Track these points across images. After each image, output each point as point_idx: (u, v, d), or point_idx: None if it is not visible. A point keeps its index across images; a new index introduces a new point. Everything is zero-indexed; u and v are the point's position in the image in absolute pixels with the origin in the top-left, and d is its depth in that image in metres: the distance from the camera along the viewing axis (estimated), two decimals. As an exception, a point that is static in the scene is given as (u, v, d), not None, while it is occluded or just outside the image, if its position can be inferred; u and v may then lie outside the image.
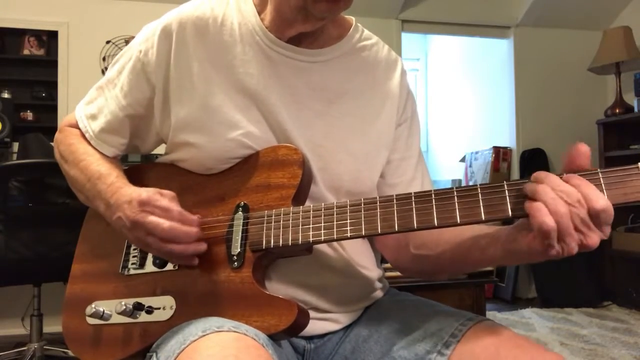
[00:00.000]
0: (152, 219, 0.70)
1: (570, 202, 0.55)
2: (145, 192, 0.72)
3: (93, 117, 0.87)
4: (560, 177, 0.58)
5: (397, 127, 0.88)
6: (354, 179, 0.81)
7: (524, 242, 0.60)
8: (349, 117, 0.83)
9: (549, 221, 0.55)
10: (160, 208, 0.71)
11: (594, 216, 0.55)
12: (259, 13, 0.82)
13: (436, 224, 0.62)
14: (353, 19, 0.89)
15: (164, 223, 0.70)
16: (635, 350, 2.45)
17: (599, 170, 0.58)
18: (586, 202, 0.55)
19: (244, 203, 0.76)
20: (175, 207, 0.72)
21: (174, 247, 0.71)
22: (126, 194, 0.74)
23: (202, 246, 0.73)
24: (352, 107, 0.83)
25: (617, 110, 3.47)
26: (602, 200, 0.55)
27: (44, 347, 2.30)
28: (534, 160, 3.87)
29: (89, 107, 0.88)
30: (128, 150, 0.90)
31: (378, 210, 0.66)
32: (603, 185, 0.57)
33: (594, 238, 0.56)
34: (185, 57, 0.79)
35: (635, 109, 3.41)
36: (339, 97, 0.83)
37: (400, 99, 0.88)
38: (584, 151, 0.59)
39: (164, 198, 0.72)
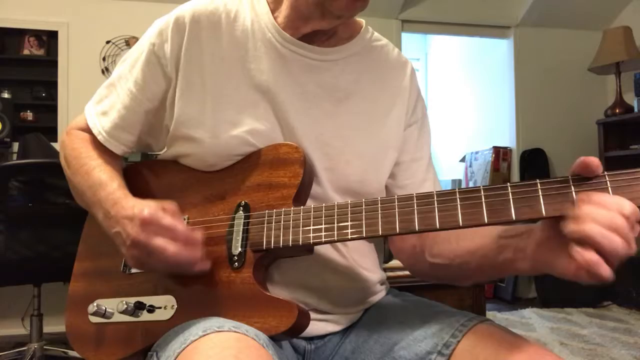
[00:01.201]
0: (159, 242, 0.67)
1: (621, 232, 0.53)
2: (147, 209, 0.69)
3: (104, 113, 0.85)
4: (594, 201, 0.55)
5: (406, 128, 0.87)
6: (361, 180, 0.81)
7: (566, 270, 0.58)
8: (357, 117, 0.82)
9: (608, 272, 0.53)
10: (164, 228, 0.68)
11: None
12: (273, 12, 0.82)
13: (438, 227, 0.62)
14: (363, 21, 0.89)
15: (170, 248, 0.67)
16: (635, 350, 2.45)
17: (605, 173, 0.56)
18: (633, 218, 0.53)
19: (245, 202, 0.76)
20: (179, 226, 0.69)
21: (179, 270, 0.71)
22: (127, 207, 0.72)
23: (206, 266, 0.72)
24: (361, 107, 0.83)
25: (617, 110, 3.47)
26: None
27: (44, 347, 2.29)
28: (534, 160, 3.87)
29: (100, 105, 0.86)
30: (138, 149, 0.88)
31: (379, 211, 0.65)
32: (610, 189, 0.56)
33: (634, 246, 0.55)
34: (197, 50, 0.79)
35: (635, 109, 3.41)
36: (348, 97, 0.82)
37: (409, 100, 0.88)
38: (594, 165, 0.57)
39: (167, 215, 0.69)
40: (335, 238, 0.67)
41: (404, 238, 0.83)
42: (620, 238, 0.53)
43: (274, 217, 0.72)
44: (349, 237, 0.67)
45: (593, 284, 0.56)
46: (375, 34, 0.90)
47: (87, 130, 0.86)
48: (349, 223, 0.67)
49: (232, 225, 0.75)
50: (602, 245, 0.53)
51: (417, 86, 0.91)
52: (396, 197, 0.65)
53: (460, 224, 0.60)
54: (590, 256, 0.53)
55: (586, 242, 0.54)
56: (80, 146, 0.85)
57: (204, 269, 0.72)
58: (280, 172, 0.75)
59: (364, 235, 0.66)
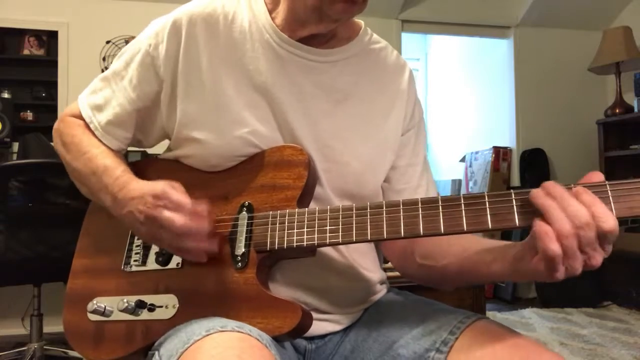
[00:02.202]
0: (167, 214, 0.69)
1: (579, 224, 0.54)
2: (159, 186, 0.71)
3: (98, 108, 0.85)
4: (570, 189, 0.57)
5: (404, 133, 0.88)
6: (359, 182, 0.81)
7: (530, 264, 0.59)
8: (355, 119, 0.82)
9: (555, 248, 0.54)
10: (173, 202, 0.69)
11: (602, 237, 0.55)
12: (270, 12, 0.82)
13: (442, 231, 0.62)
14: (362, 22, 0.89)
15: (178, 219, 0.69)
16: (635, 350, 2.46)
17: (606, 182, 0.57)
18: (595, 223, 0.54)
19: (249, 203, 0.76)
20: (187, 201, 0.70)
21: (188, 243, 0.71)
22: (136, 188, 0.73)
23: (214, 245, 0.73)
24: (359, 109, 0.83)
25: (617, 110, 3.47)
26: (611, 221, 0.54)
27: (44, 347, 2.29)
28: (534, 160, 3.87)
29: (94, 97, 0.86)
30: (131, 144, 0.89)
31: (384, 215, 0.66)
32: (611, 198, 0.56)
33: (598, 258, 0.56)
34: (195, 52, 0.79)
35: (635, 109, 3.41)
36: (346, 98, 0.83)
37: (408, 105, 0.88)
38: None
39: (176, 192, 0.71)
40: (340, 240, 0.68)
41: (396, 240, 0.83)
42: (572, 228, 0.54)
43: (277, 218, 0.72)
44: (354, 239, 0.67)
45: (553, 281, 0.57)
46: (374, 35, 0.90)
47: (81, 118, 0.86)
48: (354, 225, 0.67)
49: (235, 226, 0.75)
50: (554, 220, 0.55)
51: (415, 89, 0.91)
52: (401, 201, 0.66)
53: (465, 229, 0.61)
54: (546, 228, 0.55)
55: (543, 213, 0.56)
56: (80, 133, 0.85)
57: (213, 249, 0.73)
58: (284, 173, 0.75)
59: (369, 238, 0.66)
